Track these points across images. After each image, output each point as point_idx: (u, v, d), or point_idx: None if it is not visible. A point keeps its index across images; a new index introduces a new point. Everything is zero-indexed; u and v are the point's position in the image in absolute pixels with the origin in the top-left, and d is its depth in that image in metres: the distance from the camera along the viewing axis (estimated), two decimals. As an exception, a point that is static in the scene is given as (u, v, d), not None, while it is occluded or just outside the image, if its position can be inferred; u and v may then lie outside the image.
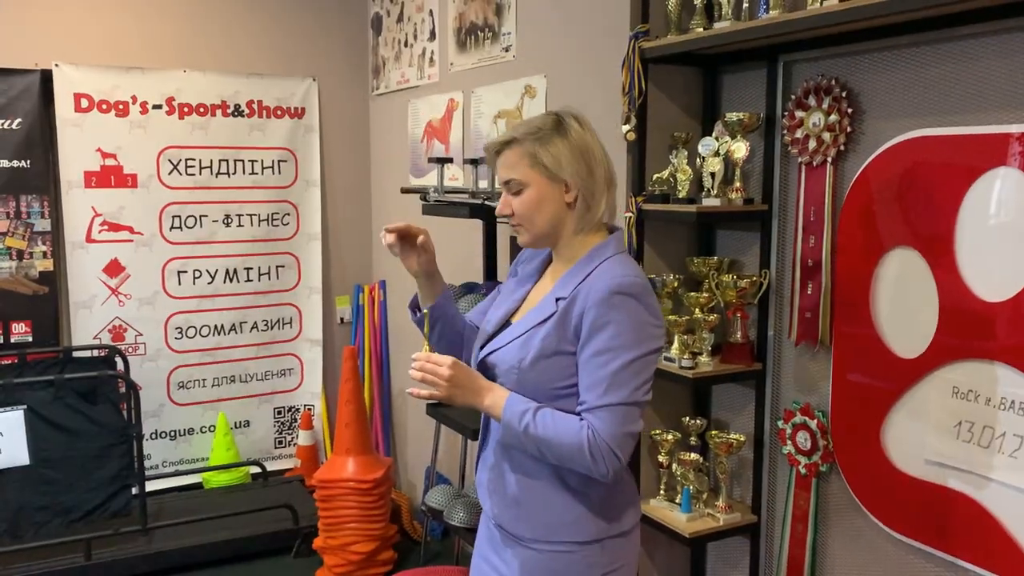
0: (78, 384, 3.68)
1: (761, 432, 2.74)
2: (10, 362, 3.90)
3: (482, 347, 1.82)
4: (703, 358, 2.68)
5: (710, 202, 2.59)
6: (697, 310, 2.72)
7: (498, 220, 3.39)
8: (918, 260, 2.21)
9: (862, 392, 2.39)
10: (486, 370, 1.77)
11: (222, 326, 4.72)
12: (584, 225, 1.73)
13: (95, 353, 4.19)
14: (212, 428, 4.73)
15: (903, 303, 2.27)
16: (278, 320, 4.88)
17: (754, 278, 2.66)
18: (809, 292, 2.53)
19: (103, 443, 3.72)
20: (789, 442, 2.63)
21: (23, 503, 3.59)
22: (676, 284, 2.79)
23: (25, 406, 3.53)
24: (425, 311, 1.89)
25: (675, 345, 2.71)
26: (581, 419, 1.63)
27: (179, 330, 4.61)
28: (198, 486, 4.61)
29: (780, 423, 2.66)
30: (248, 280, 4.75)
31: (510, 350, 1.72)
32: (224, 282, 4.69)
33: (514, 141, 1.71)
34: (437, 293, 1.92)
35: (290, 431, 4.99)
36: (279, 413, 4.96)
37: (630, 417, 1.62)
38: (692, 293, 2.73)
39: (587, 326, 1.63)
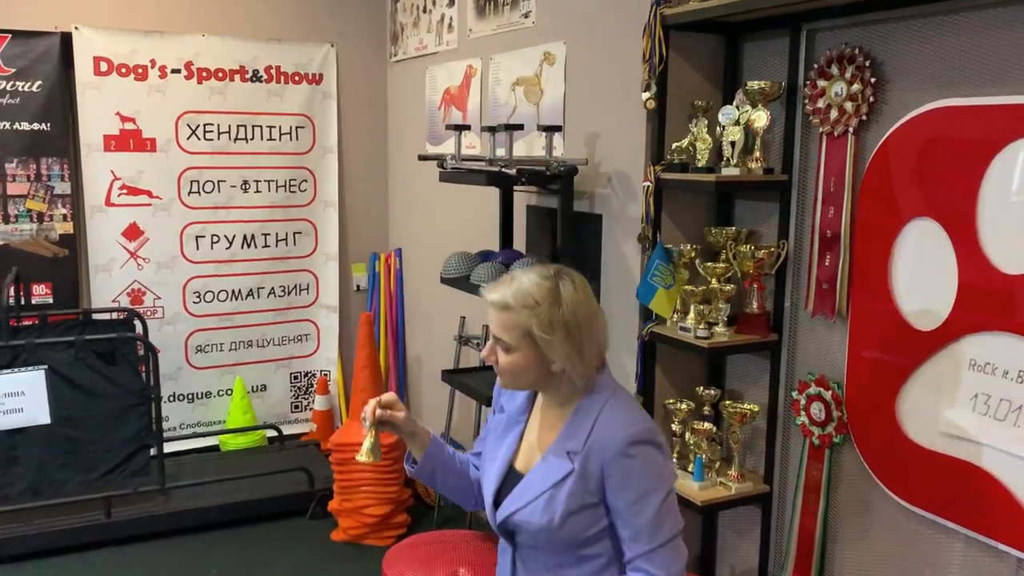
0: (98, 345, 3.72)
1: (775, 403, 2.74)
2: (31, 323, 3.95)
3: (496, 501, 1.83)
4: (719, 328, 2.68)
5: (729, 172, 2.58)
6: (714, 280, 2.72)
7: (514, 189, 3.40)
8: (938, 232, 2.19)
9: (878, 364, 2.38)
10: (511, 528, 1.79)
11: (239, 291, 4.75)
12: (569, 387, 1.76)
13: (114, 316, 4.23)
14: (229, 392, 4.79)
15: (922, 275, 2.25)
16: (295, 286, 4.91)
17: (772, 249, 2.65)
18: (827, 263, 2.52)
19: (122, 404, 3.77)
20: (803, 413, 2.63)
21: (44, 461, 3.65)
22: (693, 254, 2.78)
23: (46, 366, 3.58)
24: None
25: (690, 315, 2.71)
26: (630, 571, 1.67)
27: (197, 294, 4.65)
28: (215, 448, 4.68)
29: (794, 394, 2.66)
30: (265, 246, 4.78)
31: (534, 512, 1.73)
32: (241, 247, 4.72)
33: (508, 308, 1.69)
34: (425, 443, 1.92)
35: (306, 396, 5.04)
36: (295, 378, 5.01)
37: (678, 550, 1.69)
38: (709, 263, 2.73)
39: (613, 479, 1.66)
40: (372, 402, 1.83)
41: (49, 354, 3.62)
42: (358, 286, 5.11)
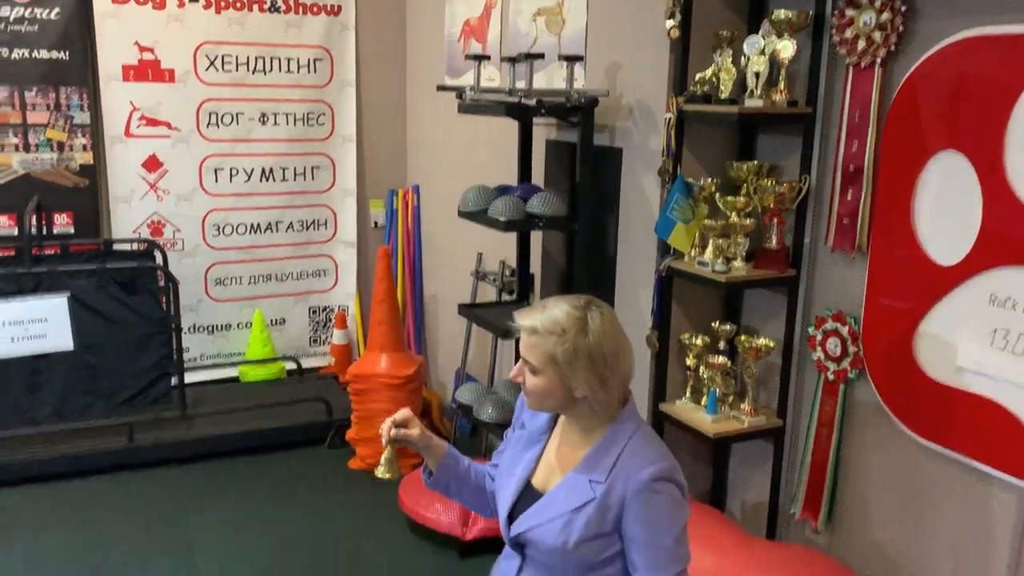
0: (119, 274, 3.76)
1: (791, 338, 2.74)
2: (53, 252, 4.00)
3: (510, 515, 1.87)
4: (737, 263, 2.67)
5: (753, 103, 2.54)
6: (733, 215, 2.70)
7: (533, 122, 3.36)
8: (964, 165, 2.16)
9: (897, 299, 2.37)
10: (523, 542, 1.84)
11: (258, 225, 4.77)
12: (595, 413, 1.79)
13: (134, 247, 4.27)
14: (249, 324, 4.84)
15: (945, 209, 2.23)
16: (313, 221, 4.92)
17: (793, 183, 2.62)
18: (848, 198, 2.49)
19: (143, 332, 3.82)
20: (819, 348, 2.64)
21: (68, 387, 3.73)
22: (714, 188, 2.76)
23: (68, 293, 3.63)
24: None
25: (709, 250, 2.70)
26: None
27: (216, 227, 4.67)
28: (235, 380, 4.75)
29: (811, 329, 2.66)
30: (284, 180, 4.78)
31: (550, 532, 1.78)
32: (260, 181, 4.72)
33: (536, 332, 1.74)
34: (440, 456, 1.95)
35: (324, 330, 5.09)
36: (314, 312, 5.05)
37: None
38: (729, 197, 2.70)
39: (634, 512, 1.72)
40: (388, 421, 1.88)
41: (71, 282, 3.67)
42: (376, 223, 5.11)
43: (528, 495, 1.86)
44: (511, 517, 1.85)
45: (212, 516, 3.44)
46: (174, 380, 3.94)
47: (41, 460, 3.66)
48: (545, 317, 1.74)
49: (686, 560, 1.75)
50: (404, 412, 1.90)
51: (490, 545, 3.04)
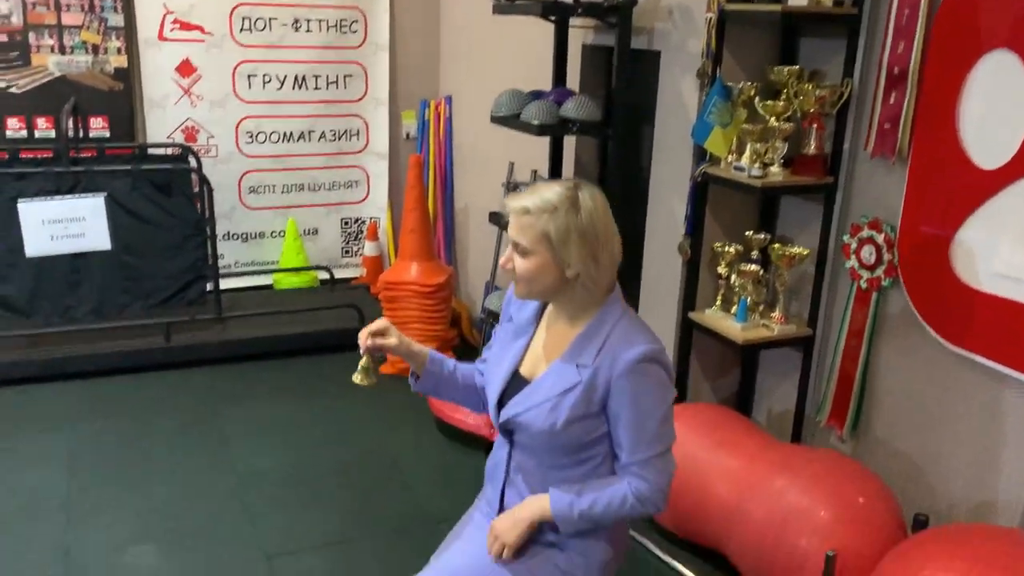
0: (155, 176, 3.80)
1: (825, 247, 2.71)
2: (89, 155, 4.03)
3: (500, 402, 1.90)
4: (774, 168, 2.63)
5: (797, 2, 2.46)
6: (772, 119, 2.65)
7: (569, 24, 3.29)
8: (1017, 65, 2.09)
9: (936, 205, 2.33)
10: (512, 427, 1.87)
11: (291, 133, 4.76)
12: (583, 298, 1.81)
13: (169, 151, 4.30)
14: (282, 233, 4.88)
15: (992, 111, 2.16)
16: (345, 131, 4.91)
17: (835, 87, 2.56)
18: (892, 102, 2.43)
19: (179, 234, 3.87)
20: (853, 256, 2.61)
21: (106, 286, 3.80)
22: (753, 92, 2.70)
23: (105, 193, 3.67)
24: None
25: (746, 154, 2.65)
26: (624, 477, 1.80)
27: (250, 134, 4.67)
28: (268, 287, 4.82)
29: (845, 238, 2.63)
30: (316, 88, 4.75)
31: (539, 415, 1.81)
32: (293, 89, 4.69)
33: (528, 212, 1.75)
34: (424, 361, 1.97)
35: (356, 241, 5.12)
36: (346, 223, 5.08)
37: (670, 460, 1.81)
38: (769, 101, 2.65)
39: (620, 394, 1.76)
40: (364, 330, 1.90)
41: (108, 182, 3.70)
42: (408, 134, 5.09)
43: (516, 383, 1.89)
44: (500, 404, 1.89)
45: (246, 414, 3.53)
46: (209, 285, 4.00)
47: (81, 357, 3.77)
48: (536, 197, 1.75)
49: (671, 440, 1.80)
50: (381, 322, 1.93)
51: (517, 446, 3.10)
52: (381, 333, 1.90)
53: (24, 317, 3.74)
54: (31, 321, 3.76)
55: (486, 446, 3.23)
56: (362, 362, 1.90)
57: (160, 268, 3.86)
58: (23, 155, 4.03)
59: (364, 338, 1.89)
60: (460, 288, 4.92)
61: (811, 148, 2.63)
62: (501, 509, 1.96)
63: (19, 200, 3.54)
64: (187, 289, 3.95)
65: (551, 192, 1.75)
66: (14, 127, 4.20)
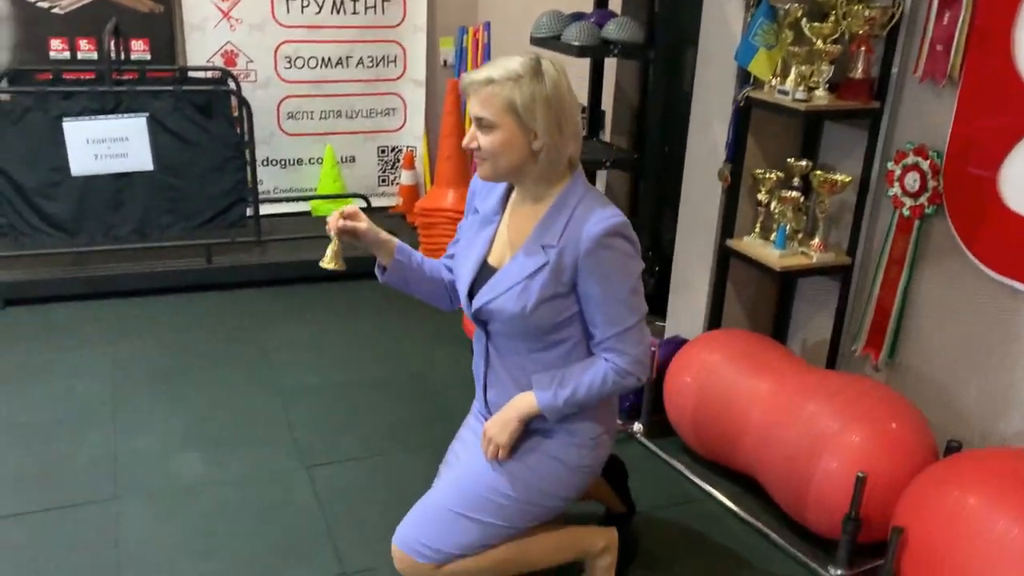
0: (195, 97, 3.82)
1: (868, 175, 2.67)
2: (131, 77, 4.06)
3: (471, 293, 1.90)
4: (819, 92, 2.58)
5: (850, -83, 2.38)
6: (819, 41, 2.59)
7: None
8: (1077, -19, 2.01)
9: (985, 130, 2.28)
10: (485, 316, 1.89)
11: (329, 59, 4.75)
12: (548, 172, 1.81)
13: (209, 75, 4.31)
14: (320, 160, 4.90)
15: (1050, 31, 2.09)
16: (383, 57, 4.88)
17: (886, 7, 2.49)
18: (945, 22, 2.36)
19: (219, 156, 3.91)
20: (896, 184, 2.57)
21: (149, 206, 3.87)
22: (800, 13, 2.63)
23: (147, 114, 3.70)
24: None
25: (791, 77, 2.60)
26: (598, 356, 1.84)
27: (288, 59, 4.67)
28: (306, 214, 4.86)
29: (890, 164, 2.59)
30: (354, 13, 4.71)
31: (509, 299, 1.82)
32: (331, 13, 4.66)
33: (492, 82, 1.73)
34: (392, 251, 1.98)
35: (393, 170, 5.13)
36: (383, 152, 5.09)
37: (643, 331, 1.84)
38: (816, 23, 2.58)
39: (586, 271, 1.77)
40: (335, 212, 1.92)
41: (150, 103, 3.73)
42: (445, 61, 5.04)
43: (485, 272, 1.91)
44: (471, 295, 1.91)
45: (285, 333, 3.61)
46: (249, 209, 4.05)
47: (125, 275, 3.86)
48: (499, 67, 1.75)
49: (643, 311, 1.83)
50: (352, 206, 1.95)
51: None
52: (352, 217, 1.92)
53: (70, 236, 3.82)
54: (76, 240, 3.84)
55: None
56: (332, 246, 1.91)
57: (201, 190, 3.91)
58: (66, 76, 4.08)
59: (335, 220, 1.91)
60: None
61: (858, 71, 2.57)
62: (487, 406, 2.01)
63: (64, 119, 3.59)
64: (228, 212, 4.00)
65: (513, 62, 1.75)
66: (57, 48, 4.23)
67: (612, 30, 2.96)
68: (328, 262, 1.92)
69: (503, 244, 1.90)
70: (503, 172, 1.80)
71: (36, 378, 3.16)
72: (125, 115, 3.68)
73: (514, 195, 1.92)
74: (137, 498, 2.50)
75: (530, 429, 1.94)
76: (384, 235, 1.99)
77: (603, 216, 1.76)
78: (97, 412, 2.95)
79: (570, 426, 1.92)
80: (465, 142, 1.81)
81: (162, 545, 2.31)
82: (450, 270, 2.05)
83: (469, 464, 1.99)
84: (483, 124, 1.76)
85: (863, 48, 2.55)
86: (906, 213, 2.55)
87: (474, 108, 1.76)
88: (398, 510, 2.48)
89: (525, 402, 1.89)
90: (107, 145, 3.66)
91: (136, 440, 2.79)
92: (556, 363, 1.88)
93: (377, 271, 2.03)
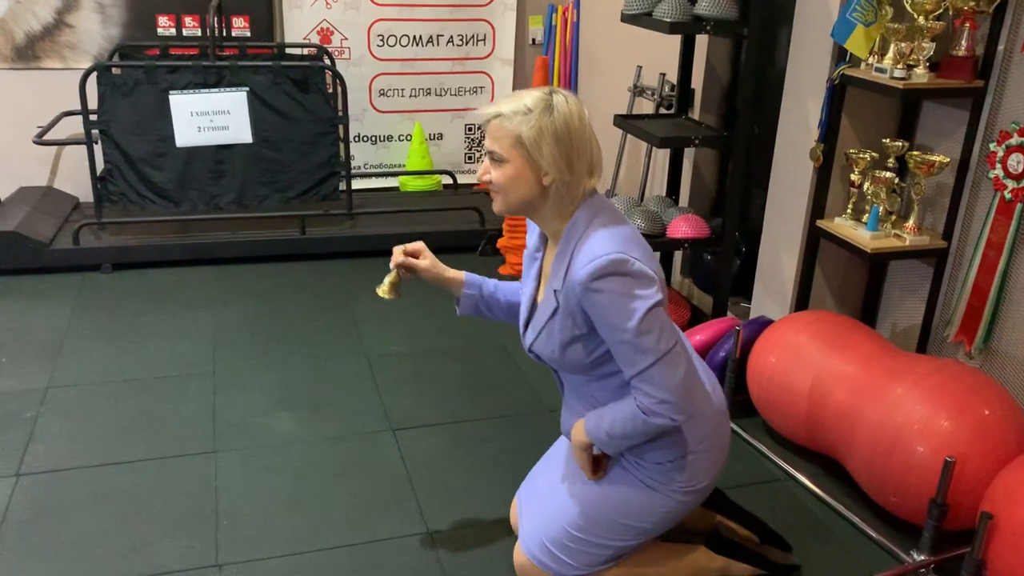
0: (293, 72, 3.95)
1: (968, 156, 2.59)
2: (232, 53, 4.22)
3: (524, 331, 1.96)
4: (918, 70, 2.52)
5: None
6: (921, 17, 2.52)
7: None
8: None
9: (1097, 109, 2.19)
10: (537, 359, 1.94)
11: (420, 37, 4.83)
12: (561, 208, 1.77)
13: (305, 51, 4.45)
14: (409, 137, 5.00)
15: None
16: (472, 36, 4.93)
17: (994, -18, 2.41)
18: (1058, -3, 2.27)
19: (314, 130, 4.03)
20: (999, 165, 2.49)
21: (247, 178, 4.03)
22: (902, -12, 2.57)
23: (248, 88, 3.85)
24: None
25: (889, 55, 2.55)
26: (631, 393, 1.78)
27: (381, 37, 4.77)
28: (395, 189, 4.98)
29: (992, 146, 2.51)
30: (445, -8, 4.79)
31: (541, 343, 1.87)
32: (423, -8, 4.75)
33: (500, 116, 1.72)
34: (459, 283, 2.05)
35: (479, 148, 5.19)
36: (469, 130, 5.15)
37: (666, 370, 1.72)
38: (918, -1, 2.52)
39: (589, 314, 1.74)
40: (399, 248, 1.99)
41: (250, 77, 3.88)
42: (533, 40, 5.07)
43: (534, 310, 1.94)
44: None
45: (373, 301, 3.71)
46: (342, 184, 4.17)
47: (224, 243, 4.03)
48: (510, 102, 1.73)
49: (659, 351, 1.71)
50: (416, 243, 2.02)
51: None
52: (415, 254, 2.01)
53: (174, 204, 4.01)
54: (180, 208, 4.03)
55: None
56: (390, 276, 1.99)
57: (297, 163, 4.05)
58: (172, 51, 4.27)
59: (397, 253, 2.00)
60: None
61: (961, 49, 2.50)
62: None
63: (170, 92, 3.76)
64: (321, 184, 4.13)
65: (526, 97, 1.73)
66: (164, 24, 4.43)
67: (705, 6, 2.94)
68: (384, 291, 2.00)
69: (546, 281, 1.92)
70: (515, 206, 1.79)
71: (142, 338, 3.34)
72: (227, 89, 3.84)
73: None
74: (234, 452, 2.64)
75: (622, 459, 1.96)
76: (449, 273, 2.05)
77: (591, 256, 1.70)
78: (198, 371, 3.11)
79: (652, 454, 1.92)
80: (479, 174, 1.82)
81: (256, 497, 2.43)
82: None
83: (548, 475, 2.07)
84: (494, 158, 1.75)
85: (968, 24, 2.47)
86: (1007, 196, 2.47)
87: (487, 141, 1.77)
88: (477, 474, 2.56)
89: (581, 431, 1.92)
90: (209, 118, 3.82)
91: (233, 398, 2.93)
92: (614, 393, 1.87)
93: (455, 304, 2.11)
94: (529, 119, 1.70)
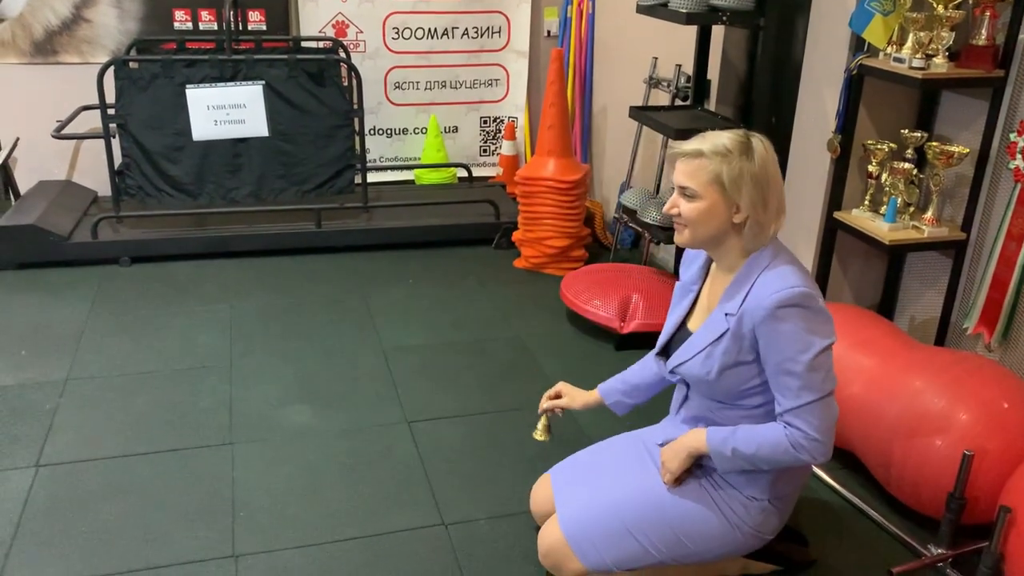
0: (308, 66, 3.95)
1: (987, 147, 2.57)
2: (248, 47, 4.24)
3: (666, 354, 2.01)
4: (938, 60, 2.49)
5: None
6: (940, 6, 2.49)
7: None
8: None
9: (1120, 98, 2.16)
10: (677, 376, 1.97)
11: (435, 29, 4.82)
12: (750, 246, 1.83)
13: (320, 44, 4.45)
14: (424, 130, 5.00)
15: None
16: (487, 28, 4.92)
17: (1015, -30, 2.38)
18: (1080, -15, 2.24)
19: (330, 123, 4.04)
20: (1019, 156, 2.46)
21: (264, 171, 4.04)
22: (920, -23, 2.54)
23: (263, 82, 3.86)
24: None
25: (908, 44, 2.53)
26: (780, 423, 1.80)
27: (396, 30, 4.76)
28: (410, 182, 4.98)
29: (1012, 135, 2.48)
30: (462, -17, 4.77)
31: (695, 365, 1.88)
32: (439, -17, 4.74)
33: (701, 155, 1.77)
34: (608, 394, 2.21)
35: (494, 141, 5.19)
36: (485, 122, 5.15)
37: (827, 407, 1.77)
38: (937, -13, 2.49)
39: (763, 340, 1.77)
40: (545, 395, 2.24)
41: (266, 71, 3.89)
42: (548, 32, 5.05)
43: (682, 335, 1.98)
44: (667, 355, 2.00)
45: (390, 296, 3.73)
46: (357, 177, 4.18)
47: (241, 236, 4.05)
48: (709, 142, 1.78)
49: (826, 386, 1.76)
50: (559, 386, 2.22)
51: (645, 339, 3.15)
52: (558, 396, 2.23)
53: (191, 198, 4.03)
54: (197, 201, 4.05)
55: (616, 338, 3.30)
56: (542, 421, 2.25)
57: (313, 156, 4.06)
58: (188, 45, 4.29)
59: (544, 401, 2.21)
60: (595, 188, 4.93)
61: (981, 38, 2.47)
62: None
63: (187, 86, 3.78)
64: (337, 178, 4.14)
65: (723, 138, 1.79)
66: (181, 19, 4.44)
67: (721, -3, 2.92)
68: (539, 435, 2.26)
69: (701, 309, 1.96)
70: (701, 240, 1.85)
71: (159, 330, 3.37)
72: (243, 83, 3.85)
73: (714, 265, 1.96)
74: (250, 443, 2.65)
75: (709, 472, 1.96)
76: (587, 397, 2.23)
77: (782, 286, 1.75)
78: (214, 364, 3.13)
79: (740, 479, 1.93)
80: (666, 208, 1.87)
81: (273, 488, 2.45)
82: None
83: (646, 481, 2.03)
84: (687, 193, 1.81)
85: (988, 13, 2.44)
86: (1028, 187, 2.44)
87: (679, 177, 1.81)
88: (493, 466, 2.56)
89: (697, 437, 1.90)
90: (226, 111, 3.84)
91: (250, 390, 2.95)
92: (758, 422, 1.89)
93: (613, 410, 2.24)
94: (730, 160, 1.76)
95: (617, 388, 2.20)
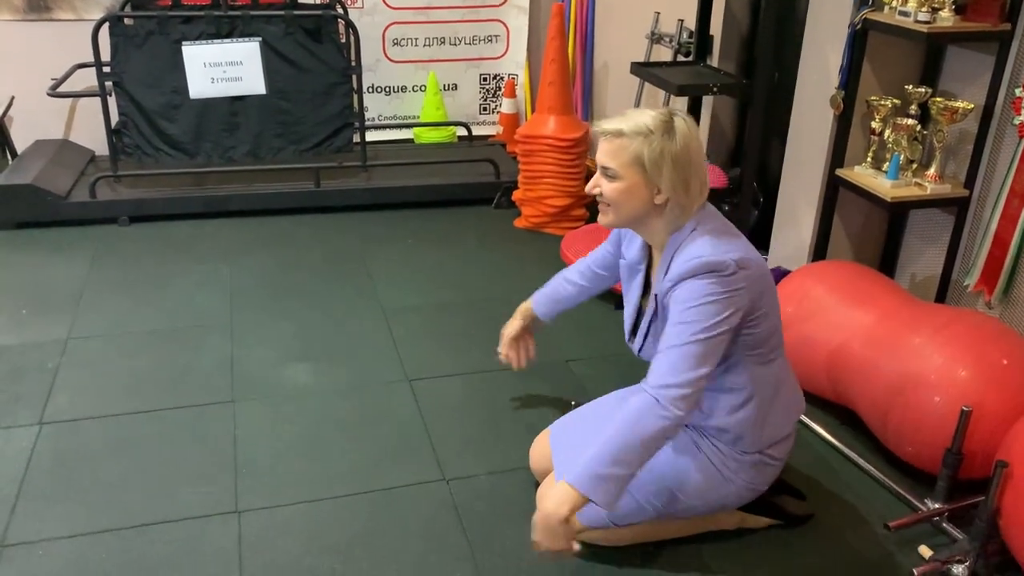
0: (305, 22, 3.90)
1: (992, 102, 2.54)
2: (245, 3, 4.17)
3: (632, 338, 2.04)
4: (944, 13, 2.46)
5: None
6: (947, -42, 2.45)
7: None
8: None
9: None
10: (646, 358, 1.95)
11: (434, -17, 4.75)
12: (672, 225, 1.81)
13: (317, 0, 4.38)
14: (423, 88, 4.95)
15: None
16: (487, -18, 4.85)
17: (1025, -80, 2.33)
18: (1091, -65, 2.19)
19: (328, 81, 4.00)
20: (1024, 111, 2.44)
21: (262, 129, 4.01)
22: (927, -72, 2.49)
23: (260, 39, 3.81)
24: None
25: (913, -3, 2.48)
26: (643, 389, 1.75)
27: (393, -15, 4.70)
28: (409, 141, 4.94)
29: (1018, 91, 2.45)
30: (460, -64, 4.69)
31: (649, 348, 1.94)
32: (437, -63, 4.65)
33: (622, 135, 1.73)
34: (541, 311, 2.42)
35: (494, 99, 5.14)
36: (484, 80, 5.09)
37: (685, 359, 1.69)
38: (945, -62, 2.44)
39: (672, 298, 1.77)
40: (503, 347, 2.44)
41: (263, 28, 3.84)
42: (549, -13, 4.98)
43: (639, 317, 2.00)
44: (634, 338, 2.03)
45: (389, 255, 3.72)
46: (356, 136, 4.15)
47: (239, 196, 4.03)
48: (631, 121, 1.75)
49: (699, 373, 1.68)
50: (507, 333, 2.44)
51: (647, 298, 3.15)
52: (510, 340, 2.42)
53: (188, 157, 4.01)
54: (195, 160, 4.02)
55: (616, 298, 3.30)
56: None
57: (311, 114, 4.03)
58: (184, 1, 4.22)
59: (505, 351, 2.45)
60: (594, 147, 4.90)
61: (989, -9, 2.43)
62: None
63: (183, 43, 3.73)
64: (335, 136, 4.11)
65: (646, 116, 1.75)
66: (176, -26, 4.37)
67: (724, -51, 2.87)
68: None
69: (652, 289, 1.97)
70: (624, 220, 1.83)
71: (160, 290, 3.36)
72: (239, 39, 3.80)
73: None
74: (252, 402, 2.67)
75: (702, 431, 1.98)
76: (526, 318, 2.44)
77: (688, 257, 1.72)
78: (215, 323, 3.13)
79: (727, 437, 1.95)
80: (588, 187, 1.85)
81: (275, 445, 2.46)
82: (613, 253, 2.20)
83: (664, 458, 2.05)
84: (608, 173, 1.78)
85: (996, -35, 2.40)
86: (1032, 143, 2.42)
87: (601, 156, 1.79)
88: (493, 423, 2.57)
89: (564, 493, 1.69)
90: (223, 69, 3.80)
91: (251, 349, 2.96)
92: (725, 410, 1.91)
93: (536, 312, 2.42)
94: (651, 140, 1.73)
95: (558, 301, 2.38)
